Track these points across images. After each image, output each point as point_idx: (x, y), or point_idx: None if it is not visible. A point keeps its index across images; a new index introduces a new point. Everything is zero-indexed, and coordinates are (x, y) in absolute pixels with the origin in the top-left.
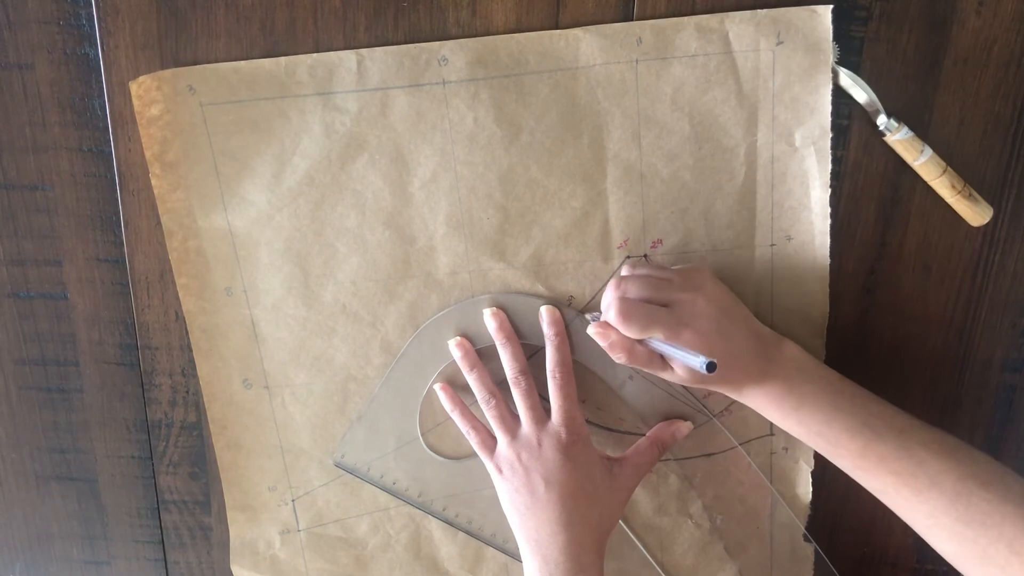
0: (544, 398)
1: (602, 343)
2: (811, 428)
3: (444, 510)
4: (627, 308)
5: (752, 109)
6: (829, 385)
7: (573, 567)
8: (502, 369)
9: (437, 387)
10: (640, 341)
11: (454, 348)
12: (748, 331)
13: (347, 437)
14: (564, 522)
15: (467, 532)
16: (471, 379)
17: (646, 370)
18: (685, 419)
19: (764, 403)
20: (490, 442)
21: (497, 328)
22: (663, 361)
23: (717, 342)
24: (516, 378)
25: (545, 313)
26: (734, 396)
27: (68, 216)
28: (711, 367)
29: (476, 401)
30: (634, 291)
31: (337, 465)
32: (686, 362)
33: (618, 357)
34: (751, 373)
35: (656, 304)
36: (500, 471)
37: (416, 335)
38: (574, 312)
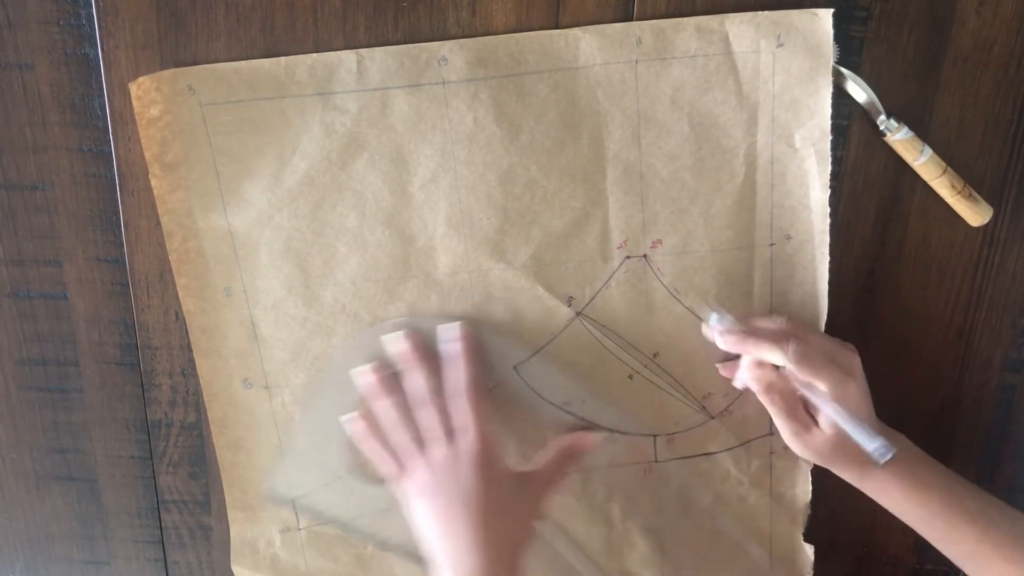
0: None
1: (758, 386)
2: (932, 509)
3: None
4: (805, 349)
5: (752, 110)
6: (945, 472)
7: None
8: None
9: (345, 423)
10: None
11: (362, 377)
12: (874, 416)
13: (276, 472)
14: (481, 542)
15: (405, 553)
16: (379, 407)
17: (781, 428)
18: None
19: (887, 485)
20: (401, 469)
21: (410, 350)
22: (804, 418)
23: (865, 410)
24: (424, 399)
25: (453, 329)
26: (854, 480)
27: (68, 216)
28: (885, 452)
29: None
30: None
31: (268, 500)
32: (861, 441)
33: (770, 399)
34: None
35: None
36: (413, 496)
37: (325, 366)
38: (572, 312)
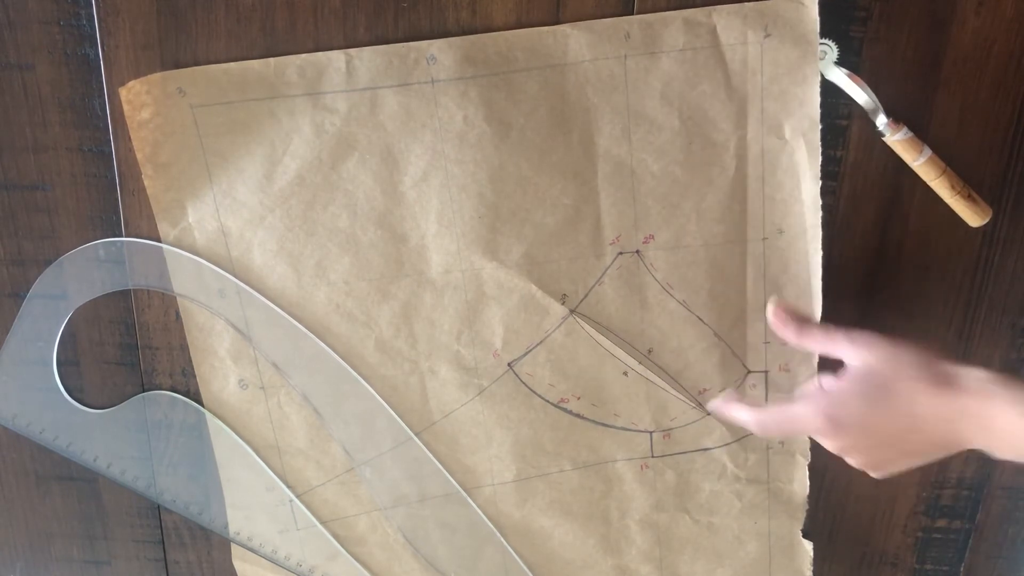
0: None
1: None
2: None
3: (94, 460)
4: None
5: (741, 102)
6: None
7: None
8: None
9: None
10: None
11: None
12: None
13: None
14: None
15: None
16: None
17: None
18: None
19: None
20: None
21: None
22: None
23: None
24: None
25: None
26: None
27: (68, 216)
28: None
29: None
30: None
31: None
32: None
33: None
34: None
35: None
36: None
37: None
38: (566, 310)
